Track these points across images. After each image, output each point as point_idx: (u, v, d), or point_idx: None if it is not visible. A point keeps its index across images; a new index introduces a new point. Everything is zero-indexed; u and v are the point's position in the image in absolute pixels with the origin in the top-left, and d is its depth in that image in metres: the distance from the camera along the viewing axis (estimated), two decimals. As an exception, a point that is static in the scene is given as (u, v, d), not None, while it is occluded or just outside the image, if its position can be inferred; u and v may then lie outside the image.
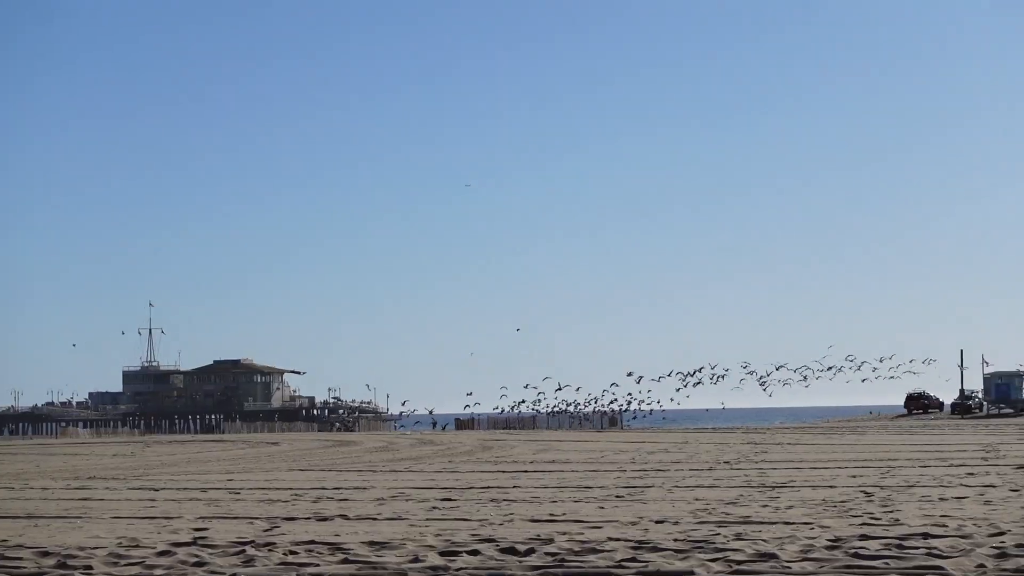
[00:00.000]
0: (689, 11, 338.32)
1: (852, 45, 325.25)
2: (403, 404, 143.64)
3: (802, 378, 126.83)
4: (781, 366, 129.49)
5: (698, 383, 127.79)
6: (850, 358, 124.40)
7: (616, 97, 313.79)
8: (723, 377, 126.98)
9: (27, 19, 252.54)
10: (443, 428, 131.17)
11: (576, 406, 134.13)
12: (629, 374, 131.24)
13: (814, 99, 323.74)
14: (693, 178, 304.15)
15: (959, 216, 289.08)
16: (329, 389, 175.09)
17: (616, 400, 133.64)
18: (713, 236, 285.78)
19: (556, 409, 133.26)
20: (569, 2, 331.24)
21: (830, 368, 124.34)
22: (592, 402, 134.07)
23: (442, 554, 18.38)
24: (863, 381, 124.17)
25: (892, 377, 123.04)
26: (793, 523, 21.52)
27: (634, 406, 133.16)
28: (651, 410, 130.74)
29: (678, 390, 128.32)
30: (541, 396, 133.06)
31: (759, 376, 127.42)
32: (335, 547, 19.38)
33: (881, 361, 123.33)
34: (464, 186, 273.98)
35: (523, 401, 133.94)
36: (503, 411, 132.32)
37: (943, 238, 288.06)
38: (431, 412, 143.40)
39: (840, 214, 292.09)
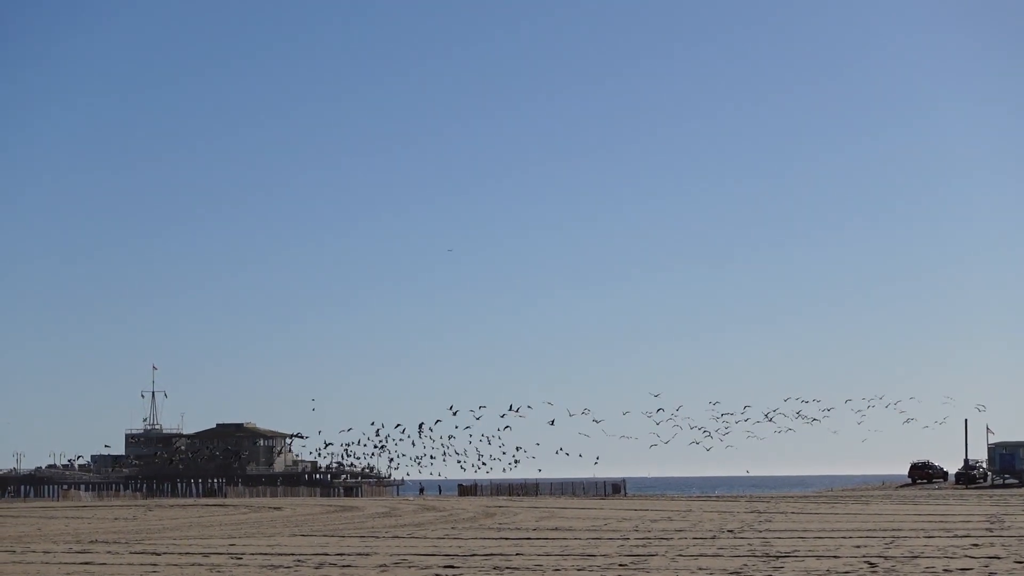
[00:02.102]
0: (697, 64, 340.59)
1: (854, 108, 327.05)
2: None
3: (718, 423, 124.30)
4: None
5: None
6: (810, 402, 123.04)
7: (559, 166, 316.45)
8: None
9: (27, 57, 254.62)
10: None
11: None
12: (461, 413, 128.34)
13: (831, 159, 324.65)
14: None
15: (969, 283, 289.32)
16: (332, 454, 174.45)
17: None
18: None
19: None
20: (572, 60, 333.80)
21: (767, 418, 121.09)
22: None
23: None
24: (813, 419, 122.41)
25: (896, 410, 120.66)
26: (797, 594, 21.45)
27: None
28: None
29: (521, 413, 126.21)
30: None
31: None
32: (338, 614, 19.32)
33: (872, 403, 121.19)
34: (446, 251, 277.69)
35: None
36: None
37: (955, 305, 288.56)
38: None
39: (851, 277, 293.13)
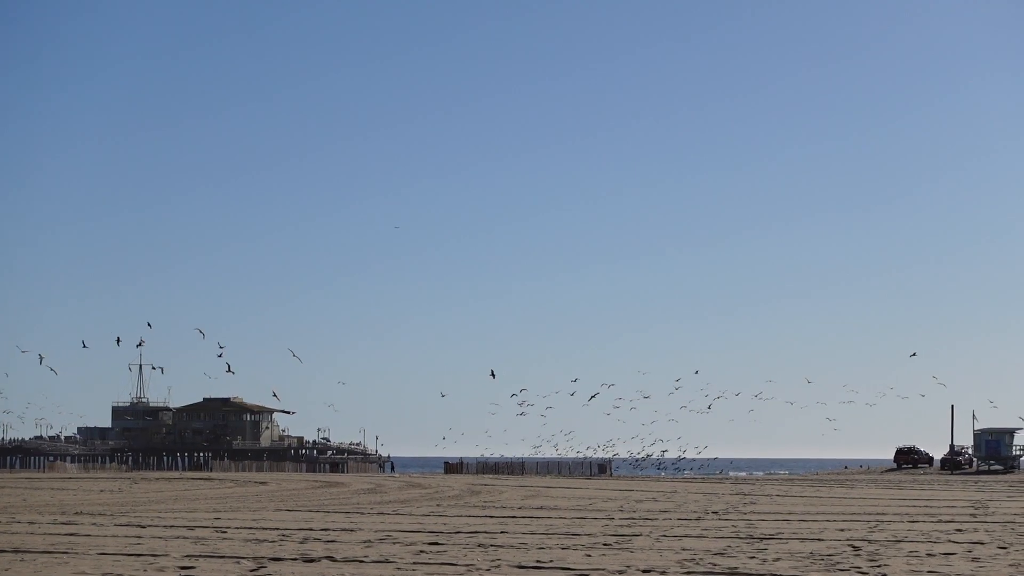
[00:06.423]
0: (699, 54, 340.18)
1: (849, 102, 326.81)
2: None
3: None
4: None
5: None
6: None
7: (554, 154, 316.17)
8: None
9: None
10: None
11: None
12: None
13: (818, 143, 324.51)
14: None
15: (961, 271, 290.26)
16: (318, 430, 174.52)
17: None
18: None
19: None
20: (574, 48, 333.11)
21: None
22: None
23: (428, 598, 18.34)
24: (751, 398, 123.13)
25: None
26: None
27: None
28: None
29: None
30: None
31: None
32: (321, 589, 19.32)
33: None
34: (393, 228, 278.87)
35: None
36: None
37: (943, 291, 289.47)
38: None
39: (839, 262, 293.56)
